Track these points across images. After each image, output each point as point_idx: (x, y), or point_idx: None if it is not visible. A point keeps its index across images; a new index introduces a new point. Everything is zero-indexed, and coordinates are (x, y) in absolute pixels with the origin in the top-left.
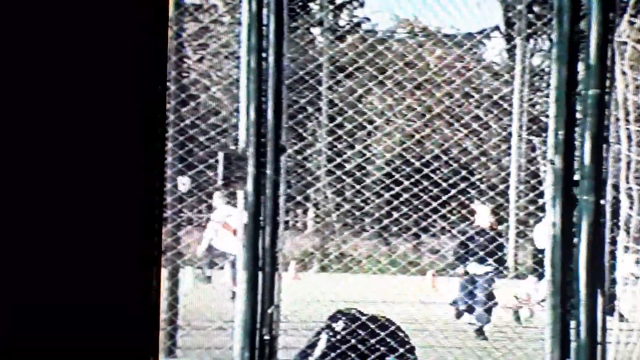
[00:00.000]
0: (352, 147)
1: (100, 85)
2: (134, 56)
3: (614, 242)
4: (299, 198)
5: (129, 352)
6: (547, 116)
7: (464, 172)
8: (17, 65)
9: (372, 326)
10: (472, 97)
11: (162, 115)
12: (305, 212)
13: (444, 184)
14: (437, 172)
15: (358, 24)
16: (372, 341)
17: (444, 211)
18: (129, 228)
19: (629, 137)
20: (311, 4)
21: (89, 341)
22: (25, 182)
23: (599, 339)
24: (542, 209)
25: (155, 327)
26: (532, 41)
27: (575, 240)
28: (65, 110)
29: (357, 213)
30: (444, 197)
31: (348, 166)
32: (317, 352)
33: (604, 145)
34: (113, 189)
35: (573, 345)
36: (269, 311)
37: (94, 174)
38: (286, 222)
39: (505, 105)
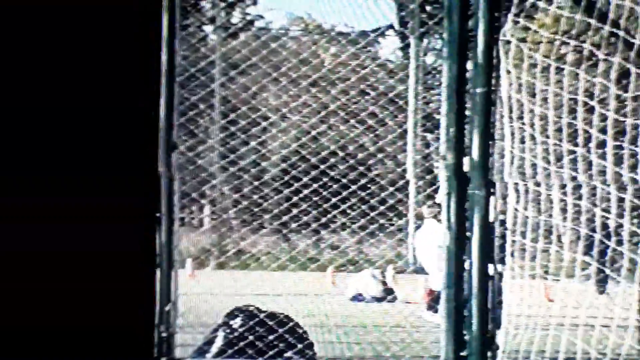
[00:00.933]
0: (246, 143)
1: (95, 84)
2: (130, 59)
3: (502, 236)
4: (193, 195)
5: (130, 339)
6: (440, 113)
7: (361, 168)
8: None
9: (271, 323)
10: (368, 94)
11: (155, 115)
12: (201, 209)
13: (344, 180)
14: (335, 168)
15: (251, 22)
16: (271, 337)
17: (343, 207)
18: (129, 225)
19: (513, 134)
20: (203, 2)
21: (93, 330)
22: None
23: (491, 330)
24: (438, 204)
25: (152, 316)
26: (425, 40)
27: (468, 234)
28: (62, 108)
29: (256, 210)
30: (344, 193)
31: (243, 163)
32: (214, 349)
33: (490, 142)
34: (110, 186)
35: (467, 337)
36: (166, 308)
37: (92, 172)
38: (182, 219)
39: (401, 103)
